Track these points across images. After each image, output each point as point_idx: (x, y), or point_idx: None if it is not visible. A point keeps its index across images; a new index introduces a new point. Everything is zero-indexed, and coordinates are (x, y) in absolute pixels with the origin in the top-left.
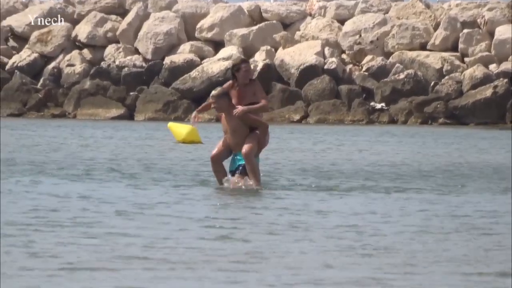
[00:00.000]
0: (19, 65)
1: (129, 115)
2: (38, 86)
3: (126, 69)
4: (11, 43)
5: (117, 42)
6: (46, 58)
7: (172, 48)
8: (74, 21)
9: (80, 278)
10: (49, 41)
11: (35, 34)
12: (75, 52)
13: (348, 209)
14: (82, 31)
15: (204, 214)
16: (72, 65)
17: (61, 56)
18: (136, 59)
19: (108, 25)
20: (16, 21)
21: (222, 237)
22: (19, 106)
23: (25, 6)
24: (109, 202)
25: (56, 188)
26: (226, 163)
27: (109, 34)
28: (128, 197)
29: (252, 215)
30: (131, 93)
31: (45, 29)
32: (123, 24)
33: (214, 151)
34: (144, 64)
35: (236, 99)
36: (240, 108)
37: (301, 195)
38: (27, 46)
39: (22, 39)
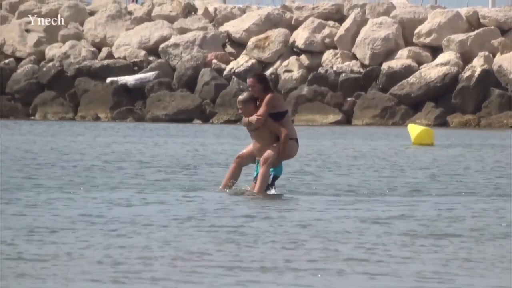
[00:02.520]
0: (236, 71)
1: (346, 121)
2: None
3: (343, 74)
4: (229, 49)
5: (335, 48)
6: (263, 64)
7: (389, 54)
8: (292, 27)
9: None
10: (266, 47)
11: (252, 40)
12: (293, 58)
13: None
14: (300, 37)
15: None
16: (290, 71)
17: (278, 62)
18: (354, 65)
19: (326, 31)
20: (234, 27)
21: None
22: (236, 112)
23: (243, 12)
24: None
25: None
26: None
27: (327, 40)
28: None
29: None
30: (349, 99)
31: (263, 35)
32: (341, 30)
33: (242, 151)
34: (361, 70)
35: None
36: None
37: None
38: (244, 52)
39: (239, 45)
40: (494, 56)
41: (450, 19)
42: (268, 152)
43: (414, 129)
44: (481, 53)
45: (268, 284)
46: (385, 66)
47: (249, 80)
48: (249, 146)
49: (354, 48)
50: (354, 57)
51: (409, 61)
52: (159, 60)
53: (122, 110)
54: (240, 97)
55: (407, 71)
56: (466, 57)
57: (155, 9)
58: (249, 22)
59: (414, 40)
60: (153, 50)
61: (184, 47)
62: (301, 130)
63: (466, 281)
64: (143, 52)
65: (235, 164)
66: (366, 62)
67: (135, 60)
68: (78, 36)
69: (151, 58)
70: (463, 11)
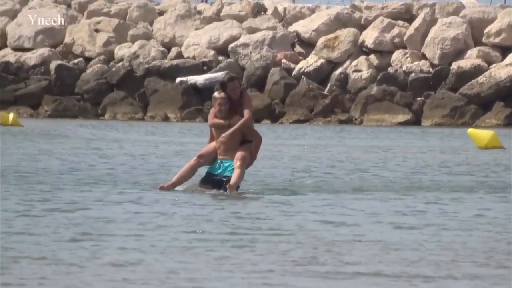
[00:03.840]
0: (305, 70)
1: (416, 121)
2: (325, 91)
3: (413, 74)
4: (298, 48)
5: (404, 47)
6: (332, 64)
7: (459, 53)
8: (361, 27)
9: None
10: (336, 46)
11: (322, 39)
12: (362, 58)
13: None
14: (369, 36)
15: None
16: (359, 70)
17: (348, 62)
18: (423, 65)
19: (395, 31)
20: (303, 27)
21: None
22: (306, 112)
23: (312, 11)
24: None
25: None
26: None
27: (396, 40)
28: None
29: None
30: (418, 99)
31: (332, 35)
32: (410, 29)
33: (204, 151)
34: (431, 70)
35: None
36: (227, 132)
37: None
38: (313, 51)
39: (308, 44)
40: None
41: None
42: (243, 153)
43: (479, 133)
44: None
45: None
46: (454, 66)
47: (233, 84)
48: (209, 145)
49: (424, 48)
50: (423, 56)
51: (478, 61)
52: (228, 59)
53: (191, 110)
54: (222, 94)
55: (476, 71)
56: None
57: (224, 9)
58: (318, 21)
59: (484, 40)
60: (222, 49)
61: (253, 46)
62: (370, 130)
63: None
64: (212, 52)
65: (195, 162)
66: (436, 61)
67: (204, 60)
68: (148, 36)
69: (220, 58)
70: None
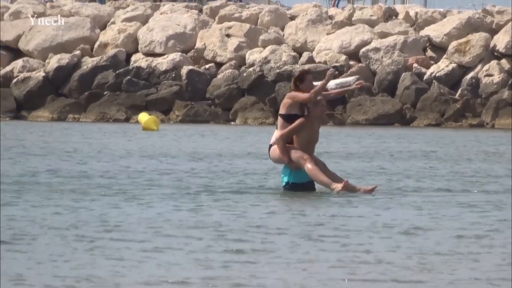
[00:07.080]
0: (437, 75)
1: None
2: (456, 96)
3: None
4: (429, 53)
5: None
6: (464, 68)
7: None
8: (492, 31)
9: None
10: (467, 51)
11: (453, 44)
12: (494, 62)
13: None
14: (501, 41)
15: None
16: (491, 75)
17: (479, 66)
18: None
19: None
20: (434, 31)
21: None
22: (437, 116)
23: (443, 16)
24: None
25: None
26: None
27: None
28: None
29: None
30: None
31: (463, 39)
32: None
33: (307, 155)
34: None
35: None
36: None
37: None
38: (445, 56)
39: (440, 49)
40: None
41: None
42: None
43: None
44: None
45: None
46: None
47: (310, 76)
48: (294, 148)
49: None
50: None
51: None
52: (360, 64)
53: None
54: (320, 98)
55: None
56: None
57: (355, 13)
58: (449, 26)
59: None
60: (353, 54)
61: (384, 51)
62: (502, 134)
63: None
64: (344, 57)
65: (314, 164)
66: None
67: (336, 64)
68: (279, 41)
69: (351, 62)
70: None
